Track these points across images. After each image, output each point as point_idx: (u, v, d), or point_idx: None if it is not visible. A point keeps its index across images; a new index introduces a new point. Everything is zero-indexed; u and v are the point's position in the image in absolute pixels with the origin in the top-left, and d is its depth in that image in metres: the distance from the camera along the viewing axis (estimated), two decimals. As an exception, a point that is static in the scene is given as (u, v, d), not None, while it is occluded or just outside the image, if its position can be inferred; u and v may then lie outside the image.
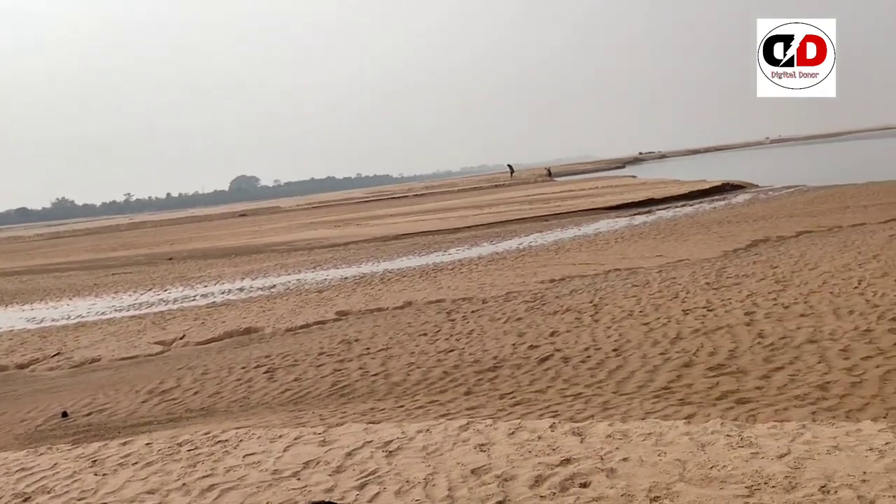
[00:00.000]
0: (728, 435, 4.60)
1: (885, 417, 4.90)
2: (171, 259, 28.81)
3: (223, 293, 17.18)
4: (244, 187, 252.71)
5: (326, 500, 4.12)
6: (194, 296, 17.37)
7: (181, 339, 11.84)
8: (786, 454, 4.19)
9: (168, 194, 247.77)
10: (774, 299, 9.00)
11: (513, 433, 5.09)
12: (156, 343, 11.72)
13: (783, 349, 6.91)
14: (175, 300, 16.97)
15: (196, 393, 8.33)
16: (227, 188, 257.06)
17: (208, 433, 6.00)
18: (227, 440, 5.68)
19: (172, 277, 21.90)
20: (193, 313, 14.31)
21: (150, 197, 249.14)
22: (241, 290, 17.45)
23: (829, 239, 14.24)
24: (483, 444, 4.92)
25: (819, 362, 6.37)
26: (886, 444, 4.17)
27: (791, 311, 8.32)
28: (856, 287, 9.10)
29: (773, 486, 3.81)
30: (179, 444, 5.73)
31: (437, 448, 4.96)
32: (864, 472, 3.84)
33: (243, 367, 9.16)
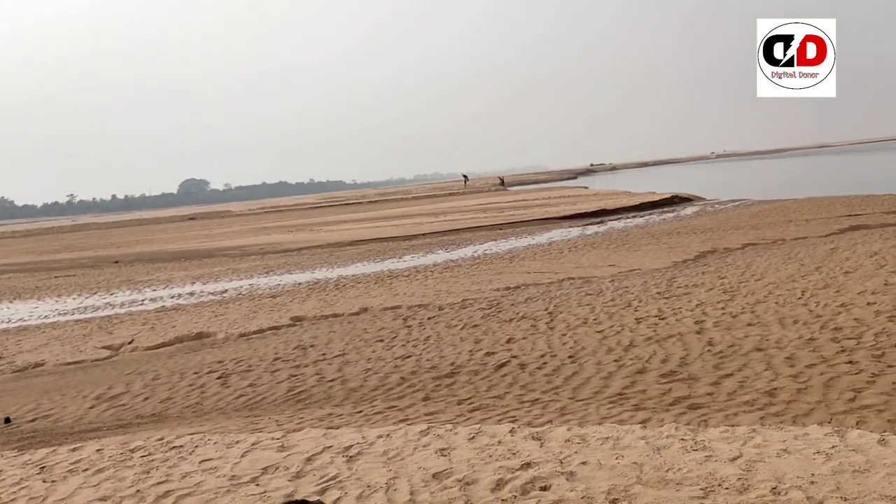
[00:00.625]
0: (682, 439, 4.72)
1: (829, 422, 5.09)
2: (117, 262, 28.12)
3: (173, 297, 16.86)
4: (193, 190, 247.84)
5: (305, 499, 4.08)
6: (143, 300, 16.99)
7: (130, 343, 11.57)
8: (738, 457, 4.32)
9: (113, 196, 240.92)
10: (723, 308, 9.27)
11: (473, 438, 5.13)
12: (103, 348, 11.44)
13: (732, 357, 7.12)
14: (122, 304, 16.56)
15: (146, 399, 8.16)
16: (175, 191, 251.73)
17: (161, 439, 5.88)
18: (181, 446, 5.58)
19: (119, 281, 21.38)
20: (142, 318, 14.00)
21: (94, 198, 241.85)
22: (191, 294, 17.14)
23: (774, 251, 14.71)
24: (444, 449, 4.95)
25: (766, 369, 6.58)
26: (832, 447, 4.34)
27: (739, 320, 8.57)
28: (799, 298, 9.43)
29: (727, 488, 3.94)
30: (132, 451, 5.60)
31: (398, 453, 4.97)
32: (812, 475, 3.99)
33: (195, 373, 9.00)
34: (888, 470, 3.98)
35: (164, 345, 11.28)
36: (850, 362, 6.49)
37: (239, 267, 22.33)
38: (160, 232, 50.65)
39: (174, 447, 5.56)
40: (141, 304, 16.22)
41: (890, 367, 6.24)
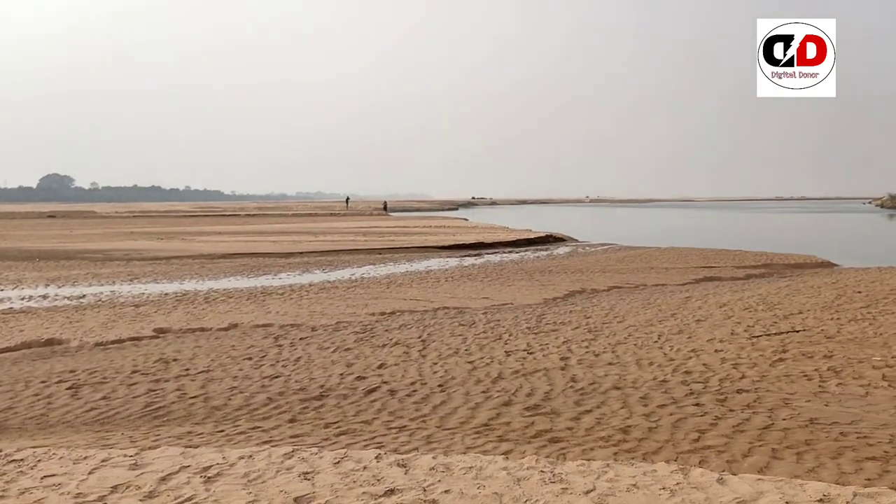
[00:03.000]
0: (542, 471, 4.90)
1: (675, 460, 5.44)
2: (-40, 256, 25.76)
3: (22, 299, 15.64)
4: (55, 187, 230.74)
5: None
6: (-13, 299, 15.65)
7: (-32, 346, 10.60)
8: (591, 490, 4.54)
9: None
10: (587, 347, 9.72)
11: (338, 462, 5.10)
12: (-64, 349, 10.42)
13: (592, 394, 7.47)
14: (-37, 303, 15.18)
15: (-16, 407, 7.50)
16: (35, 185, 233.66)
17: (0, 451, 5.44)
18: (22, 459, 5.18)
19: (-39, 277, 19.60)
20: (-15, 319, 12.89)
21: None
22: (44, 297, 15.98)
23: (636, 295, 15.59)
24: (308, 473, 4.88)
25: (622, 407, 6.96)
26: (677, 484, 4.65)
27: (601, 358, 9.02)
28: (656, 341, 10.05)
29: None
30: (-36, 463, 5.14)
31: (260, 475, 4.85)
32: (657, 508, 4.26)
33: (43, 382, 8.39)
34: (723, 506, 4.31)
35: (8, 349, 10.43)
36: (697, 405, 6.98)
37: (100, 272, 21.05)
38: (13, 228, 46.93)
39: (13, 460, 5.15)
40: (-16, 304, 14.93)
41: (731, 410, 6.77)
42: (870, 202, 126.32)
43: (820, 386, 7.55)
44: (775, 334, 10.30)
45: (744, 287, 16.61)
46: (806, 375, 7.98)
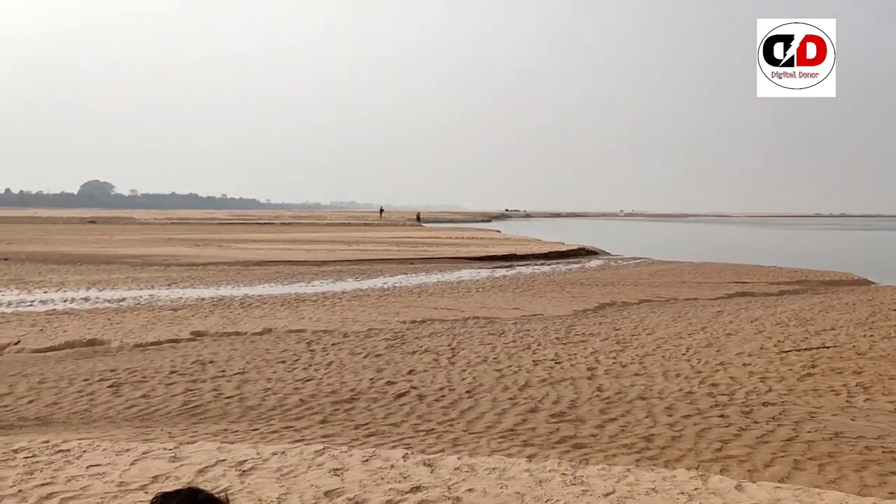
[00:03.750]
0: (563, 473, 5.03)
1: (696, 468, 5.53)
2: (6, 259, 26.64)
3: (65, 301, 16.17)
4: (96, 193, 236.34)
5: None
6: (32, 301, 16.21)
7: (16, 344, 11.05)
8: (611, 493, 4.66)
9: (7, 189, 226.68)
10: (614, 358, 9.80)
11: (367, 460, 5.29)
12: (-14, 346, 10.87)
13: (617, 403, 7.57)
14: (9, 303, 15.76)
15: (31, 402, 7.85)
16: (76, 192, 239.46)
17: (47, 441, 5.74)
18: (68, 450, 5.47)
19: (7, 279, 20.29)
20: (31, 319, 13.38)
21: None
22: (85, 299, 16.49)
23: (666, 309, 15.57)
24: (337, 469, 5.08)
25: (647, 417, 7.05)
26: (695, 489, 4.75)
27: (628, 369, 9.10)
28: (684, 354, 10.09)
29: (598, 520, 4.25)
30: (15, 451, 5.44)
31: (292, 470, 5.06)
32: (675, 512, 4.36)
33: (85, 380, 8.74)
34: (741, 512, 4.40)
35: (53, 349, 10.84)
36: (722, 416, 7.04)
37: (139, 276, 21.63)
38: (56, 232, 48.23)
39: (60, 451, 5.44)
40: (30, 306, 15.48)
41: (756, 422, 6.82)
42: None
43: (847, 401, 7.55)
44: (805, 350, 10.26)
45: (776, 303, 16.49)
46: (834, 390, 7.97)
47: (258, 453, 5.44)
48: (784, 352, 10.14)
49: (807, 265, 27.42)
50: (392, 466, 5.15)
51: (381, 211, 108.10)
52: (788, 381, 8.38)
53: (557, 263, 29.48)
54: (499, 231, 62.29)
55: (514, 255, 31.74)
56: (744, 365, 9.33)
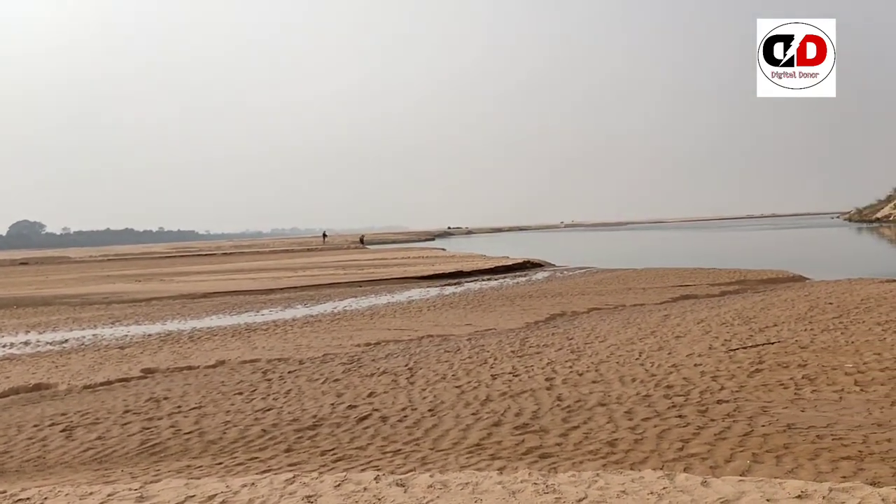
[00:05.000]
0: (535, 483, 5.12)
1: (661, 468, 5.68)
2: (-65, 307, 25.46)
3: (4, 347, 15.59)
4: (26, 233, 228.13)
5: None
6: (-32, 348, 15.56)
7: (-45, 394, 10.59)
8: (583, 498, 4.76)
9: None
10: (570, 367, 9.97)
11: (339, 485, 5.27)
12: (-78, 399, 10.39)
13: (578, 411, 7.71)
14: (-57, 352, 15.08)
15: (-22, 452, 7.55)
16: (4, 232, 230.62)
17: (4, 492, 5.53)
18: (28, 498, 5.29)
19: (-62, 327, 19.42)
20: (-31, 367, 12.84)
21: None
22: (26, 343, 15.92)
23: (615, 316, 15.91)
24: (310, 496, 5.05)
25: (608, 422, 7.20)
26: (664, 488, 4.89)
27: (584, 377, 9.27)
28: (637, 358, 10.33)
29: (574, 525, 4.34)
30: (-30, 505, 5.24)
31: (264, 501, 5.01)
32: (646, 512, 4.49)
33: (35, 426, 8.45)
34: (708, 507, 4.55)
35: (-5, 396, 10.44)
36: (680, 416, 7.25)
37: (80, 316, 20.96)
38: (-14, 275, 46.34)
39: (20, 500, 5.26)
40: (-34, 353, 14.85)
41: (712, 420, 7.04)
42: (838, 216, 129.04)
43: (796, 393, 7.86)
44: (752, 347, 10.63)
45: (720, 303, 17.02)
46: (782, 384, 8.29)
47: (227, 486, 5.36)
48: (732, 350, 10.48)
49: (744, 265, 28.37)
50: (365, 489, 5.15)
51: (325, 235, 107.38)
52: (739, 378, 8.67)
53: (504, 277, 29.78)
54: (443, 249, 62.56)
55: (461, 271, 31.95)
56: (695, 365, 9.60)
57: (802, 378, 8.49)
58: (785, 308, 14.65)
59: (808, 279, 23.14)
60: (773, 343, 10.81)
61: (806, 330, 11.78)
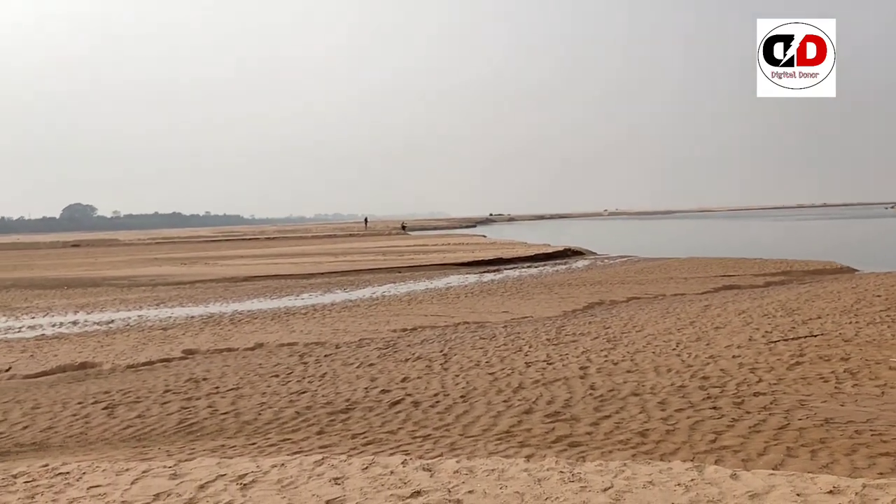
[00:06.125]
0: (561, 471, 5.10)
1: (692, 460, 5.61)
2: (-9, 286, 26.43)
3: (54, 326, 16.09)
4: (78, 216, 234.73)
5: None
6: (20, 327, 16.13)
7: (6, 371, 11.00)
8: (609, 488, 4.74)
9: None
10: (605, 356, 9.88)
11: (366, 468, 5.33)
12: (-24, 375, 10.81)
13: (611, 400, 7.65)
14: (-3, 330, 15.66)
15: (26, 427, 7.83)
16: (57, 216, 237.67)
17: (46, 465, 5.74)
18: (68, 472, 5.48)
19: (-6, 306, 20.15)
20: (20, 345, 13.31)
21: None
22: (74, 323, 16.41)
23: (655, 305, 15.71)
24: (338, 478, 5.12)
25: (640, 412, 7.13)
26: (692, 480, 4.83)
27: (619, 367, 9.19)
28: (674, 349, 10.20)
29: (598, 515, 4.32)
30: (14, 476, 5.44)
31: (293, 481, 5.10)
32: (672, 503, 4.44)
33: (79, 403, 8.72)
34: (737, 500, 4.48)
35: (44, 373, 10.80)
36: (714, 408, 7.13)
37: (127, 297, 21.53)
38: (40, 258, 47.88)
39: (60, 473, 5.45)
40: (18, 332, 15.39)
41: (748, 413, 6.91)
42: (893, 206, 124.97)
43: (836, 387, 7.67)
44: (793, 339, 10.39)
45: (763, 294, 16.67)
46: (822, 378, 8.09)
47: (258, 466, 5.47)
48: (772, 342, 10.27)
49: (791, 256, 27.73)
50: (392, 473, 5.20)
51: (366, 221, 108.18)
52: (778, 371, 8.49)
53: (544, 265, 29.63)
54: (484, 236, 62.46)
55: (501, 258, 31.87)
56: (733, 357, 9.43)
57: (844, 372, 8.28)
58: (830, 300, 14.28)
59: (857, 271, 22.50)
60: (815, 336, 10.56)
61: (851, 323, 11.47)
